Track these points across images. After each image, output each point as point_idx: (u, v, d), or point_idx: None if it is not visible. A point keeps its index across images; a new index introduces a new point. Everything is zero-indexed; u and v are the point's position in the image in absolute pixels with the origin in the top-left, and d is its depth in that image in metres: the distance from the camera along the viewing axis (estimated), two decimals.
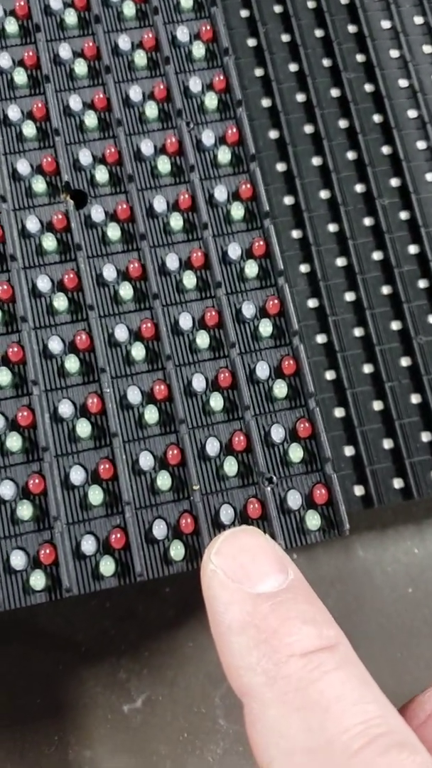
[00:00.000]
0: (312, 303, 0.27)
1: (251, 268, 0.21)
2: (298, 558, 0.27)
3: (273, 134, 0.29)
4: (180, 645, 0.26)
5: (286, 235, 0.28)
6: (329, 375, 0.26)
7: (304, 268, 0.27)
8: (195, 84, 0.23)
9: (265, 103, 0.29)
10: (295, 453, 0.20)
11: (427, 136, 0.29)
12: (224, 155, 0.22)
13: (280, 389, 0.21)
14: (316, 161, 0.28)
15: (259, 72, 0.29)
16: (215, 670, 0.26)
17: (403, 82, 0.30)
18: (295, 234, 0.28)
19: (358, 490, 0.25)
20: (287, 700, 0.16)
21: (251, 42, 0.29)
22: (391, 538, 0.27)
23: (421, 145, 0.29)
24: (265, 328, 0.21)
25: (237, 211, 0.22)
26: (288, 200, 0.28)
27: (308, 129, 0.29)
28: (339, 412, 0.26)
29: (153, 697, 0.25)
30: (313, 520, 0.20)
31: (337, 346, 0.27)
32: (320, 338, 0.27)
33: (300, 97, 0.29)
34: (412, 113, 0.29)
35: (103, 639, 0.26)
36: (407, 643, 0.26)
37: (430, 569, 0.27)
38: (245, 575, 0.18)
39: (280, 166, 0.28)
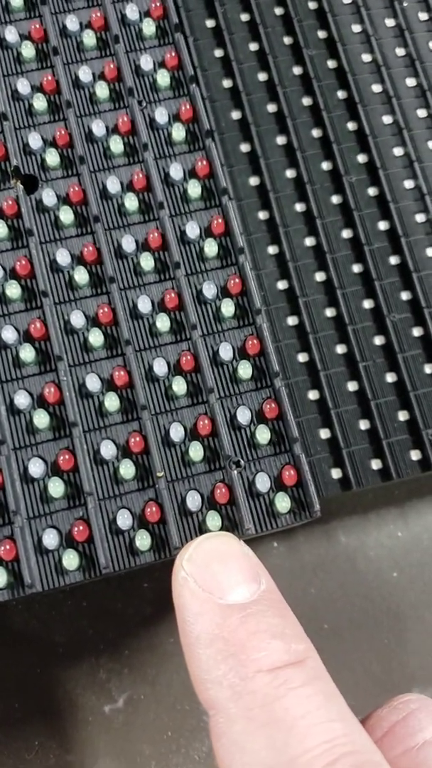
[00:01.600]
0: (282, 285, 0.26)
1: (211, 247, 0.21)
2: (279, 546, 0.26)
3: (235, 115, 0.28)
4: (160, 642, 0.25)
5: (253, 216, 0.27)
6: (302, 357, 0.26)
7: (272, 249, 0.27)
8: (146, 62, 0.22)
9: (226, 83, 0.28)
10: (262, 435, 0.20)
11: (392, 110, 0.28)
12: (179, 133, 0.22)
13: (245, 370, 0.20)
14: (280, 140, 0.28)
15: (219, 53, 0.29)
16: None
17: (366, 57, 0.29)
18: (262, 215, 0.27)
19: (336, 473, 0.25)
20: (252, 716, 0.16)
21: (210, 23, 0.29)
22: (373, 522, 0.27)
23: (386, 119, 0.28)
24: (228, 308, 0.20)
25: (194, 189, 0.21)
26: (253, 181, 0.27)
27: (271, 108, 0.28)
28: (313, 395, 0.25)
29: (135, 697, 0.25)
30: (282, 503, 0.19)
31: (308, 327, 0.26)
32: (291, 320, 0.26)
33: (262, 77, 0.28)
34: (376, 88, 0.29)
35: (81, 639, 0.25)
36: (394, 628, 0.26)
37: (415, 552, 0.26)
38: (216, 584, 0.17)
39: (244, 147, 0.28)
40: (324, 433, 0.25)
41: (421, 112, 0.28)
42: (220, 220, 0.21)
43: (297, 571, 0.26)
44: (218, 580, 0.17)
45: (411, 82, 0.29)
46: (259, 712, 0.16)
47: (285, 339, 0.26)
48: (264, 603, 0.18)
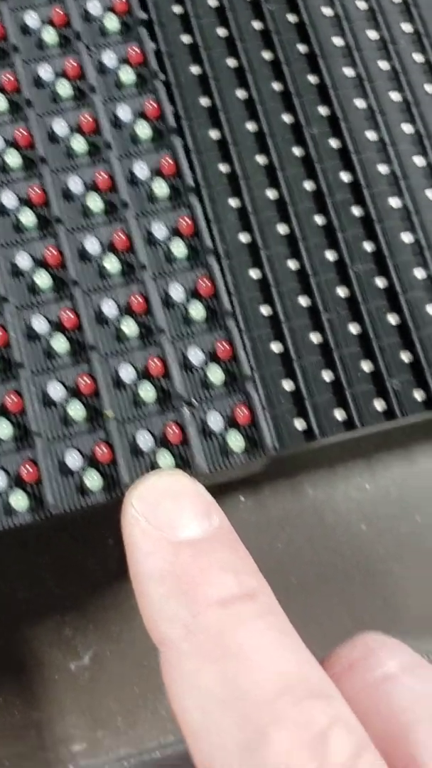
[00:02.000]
0: (244, 238, 0.26)
1: (160, 188, 0.20)
2: (246, 501, 0.26)
3: (194, 70, 0.28)
4: (126, 598, 0.25)
5: (213, 169, 0.27)
6: (264, 310, 0.25)
7: (233, 202, 0.26)
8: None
9: (185, 39, 0.28)
10: (215, 375, 0.19)
11: (353, 63, 0.28)
12: (127, 76, 0.21)
13: (197, 311, 0.20)
14: (240, 94, 0.28)
15: (177, 9, 0.28)
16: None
17: (327, 11, 0.29)
18: (223, 168, 0.27)
19: (299, 424, 0.24)
20: (204, 651, 0.16)
21: None
22: (341, 475, 0.26)
23: (348, 72, 0.28)
24: (178, 249, 0.20)
25: (143, 130, 0.21)
26: (214, 134, 0.27)
27: (231, 63, 0.28)
28: (276, 347, 0.25)
29: (100, 653, 0.25)
30: (236, 441, 0.19)
31: (271, 280, 0.26)
32: (254, 273, 0.26)
33: (221, 32, 0.28)
34: (337, 41, 0.28)
35: (46, 596, 0.25)
36: (364, 581, 0.25)
37: (383, 505, 0.26)
38: (167, 522, 0.17)
39: (204, 101, 0.27)
40: (287, 385, 0.25)
41: (383, 64, 0.28)
42: (170, 161, 0.21)
43: (263, 525, 0.26)
44: (169, 518, 0.17)
45: (373, 35, 0.29)
46: (210, 646, 0.16)
47: (248, 292, 0.26)
48: (216, 539, 0.17)
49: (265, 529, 0.26)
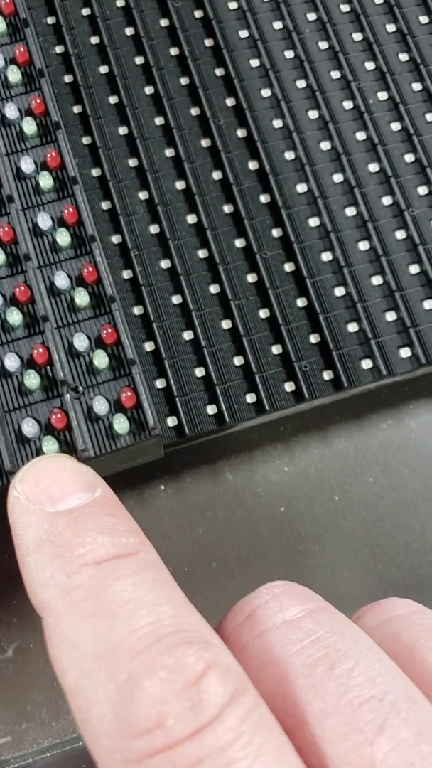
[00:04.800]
0: (153, 229, 0.26)
1: (45, 181, 0.21)
2: (166, 489, 0.26)
3: (103, 69, 0.28)
4: None
5: (122, 164, 0.27)
6: (175, 299, 0.26)
7: (142, 195, 0.27)
8: None
9: (94, 40, 0.28)
10: (100, 360, 0.20)
11: (259, 54, 0.28)
12: (14, 75, 0.22)
13: (82, 298, 0.20)
14: (148, 90, 0.28)
15: (85, 11, 0.29)
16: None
17: (232, 4, 0.29)
18: (131, 162, 0.27)
19: (211, 410, 0.25)
20: (78, 609, 0.16)
21: None
22: (259, 459, 0.27)
23: (253, 63, 0.28)
24: (63, 238, 0.20)
25: (29, 126, 0.21)
26: (122, 130, 0.27)
27: (138, 60, 0.28)
28: (187, 335, 0.25)
29: (24, 646, 0.25)
30: (121, 424, 0.19)
31: (180, 269, 0.26)
32: (164, 263, 0.26)
33: (129, 31, 0.29)
34: (243, 33, 0.29)
35: None
36: (284, 562, 0.26)
37: (301, 486, 0.26)
38: (47, 496, 0.17)
39: (112, 99, 0.28)
40: (199, 372, 0.25)
41: (288, 54, 0.29)
42: (54, 153, 0.21)
43: (184, 511, 0.26)
44: (48, 492, 0.17)
45: (277, 25, 0.29)
46: (85, 604, 0.16)
47: (158, 282, 0.26)
48: (95, 506, 0.17)
49: (186, 515, 0.26)
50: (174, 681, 0.15)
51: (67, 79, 0.28)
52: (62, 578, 0.16)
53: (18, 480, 0.18)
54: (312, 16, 0.29)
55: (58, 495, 0.17)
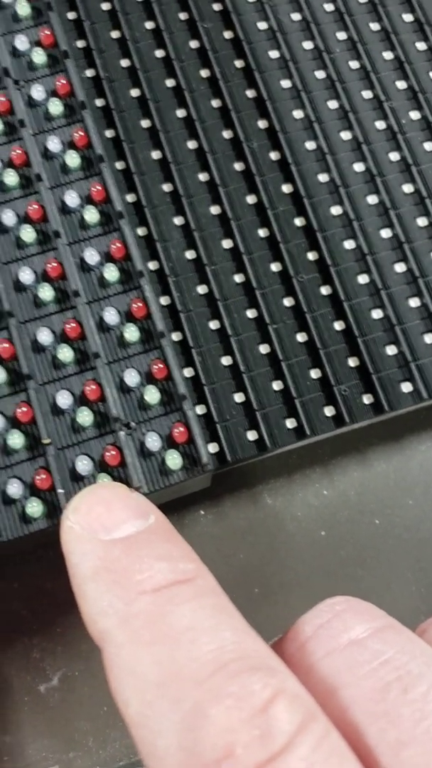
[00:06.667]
0: (189, 255, 0.26)
1: (91, 214, 0.21)
2: (206, 514, 0.26)
3: (134, 92, 0.28)
4: None
5: (157, 189, 0.27)
6: (213, 325, 0.26)
7: (177, 220, 0.27)
8: (21, 43, 0.22)
9: (124, 63, 0.28)
10: (152, 395, 0.20)
11: (290, 75, 0.28)
12: (56, 108, 0.22)
13: (131, 333, 0.20)
14: (180, 113, 0.28)
15: (115, 34, 0.29)
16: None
17: (262, 25, 0.29)
18: (165, 188, 0.27)
19: (251, 436, 0.25)
20: (138, 637, 0.16)
21: (105, 5, 0.29)
22: (299, 483, 0.27)
23: (284, 84, 0.28)
24: (111, 273, 0.20)
25: (72, 160, 0.21)
26: (155, 155, 0.27)
27: (169, 83, 0.28)
28: (226, 360, 0.25)
29: (69, 674, 0.25)
30: (174, 460, 0.19)
31: (218, 294, 0.26)
32: (200, 289, 0.26)
33: (159, 53, 0.29)
34: (273, 54, 0.29)
35: (14, 620, 0.25)
36: (325, 586, 0.26)
37: (342, 510, 0.26)
38: (100, 525, 0.17)
39: (144, 123, 0.28)
40: (238, 397, 0.25)
41: (319, 74, 0.29)
42: (99, 187, 0.21)
43: (225, 537, 0.26)
44: (102, 521, 0.17)
45: (308, 45, 0.29)
46: (145, 632, 0.16)
47: (195, 308, 0.26)
48: (149, 532, 0.17)
49: (227, 540, 0.26)
50: (241, 709, 0.14)
51: (99, 103, 0.28)
52: (120, 606, 0.16)
53: (71, 509, 0.17)
54: (342, 36, 0.29)
55: (112, 523, 0.17)
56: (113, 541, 0.17)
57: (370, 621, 0.17)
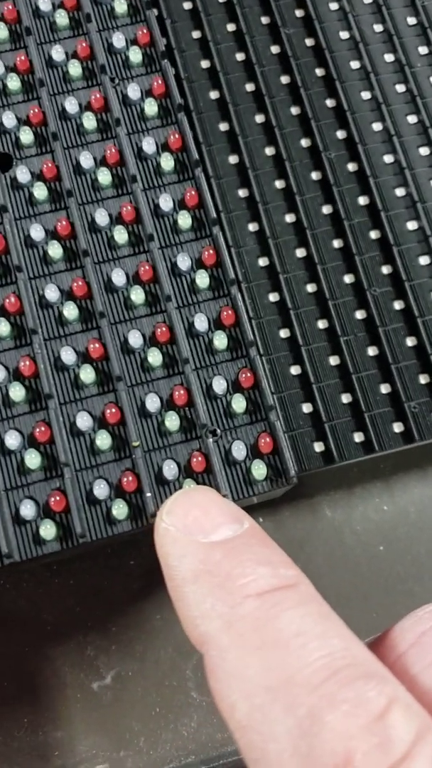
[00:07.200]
0: (262, 262, 0.26)
1: (185, 220, 0.21)
2: (264, 522, 0.26)
3: (214, 95, 0.28)
4: (147, 618, 0.25)
5: (233, 194, 0.27)
6: (283, 333, 0.26)
7: (252, 227, 0.27)
8: (118, 40, 0.22)
9: (204, 64, 0.28)
10: (239, 404, 0.20)
11: (370, 86, 0.28)
12: (151, 107, 0.22)
13: (221, 341, 0.20)
14: (259, 119, 0.28)
15: (196, 34, 0.29)
16: (185, 642, 0.25)
17: (344, 34, 0.29)
18: (242, 193, 0.27)
19: (318, 447, 0.25)
20: (244, 641, 0.15)
21: (187, 5, 0.29)
22: (359, 496, 0.27)
23: (365, 95, 0.28)
24: (202, 279, 0.20)
25: (167, 162, 0.21)
26: (233, 159, 0.27)
27: (249, 87, 0.28)
28: (295, 370, 0.25)
29: (123, 673, 0.25)
30: (259, 470, 0.19)
31: (289, 303, 0.26)
32: (272, 297, 0.26)
33: (240, 57, 0.29)
34: (354, 64, 0.29)
35: (69, 617, 0.25)
36: (383, 602, 0.26)
37: (402, 526, 0.26)
38: (198, 527, 0.17)
39: (223, 126, 0.28)
40: (306, 408, 0.25)
41: (400, 87, 0.28)
42: (193, 192, 0.21)
43: (283, 546, 0.25)
44: (200, 523, 0.17)
45: (389, 57, 0.29)
46: (252, 636, 0.15)
47: (266, 315, 0.26)
48: (247, 537, 0.17)
49: (285, 549, 0.26)
50: (358, 716, 0.14)
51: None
52: (225, 610, 0.16)
53: (165, 512, 0.17)
54: (424, 50, 0.29)
55: (210, 526, 0.17)
56: (212, 544, 0.17)
57: None
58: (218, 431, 0.20)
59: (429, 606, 0.18)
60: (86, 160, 0.21)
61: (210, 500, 0.18)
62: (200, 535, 0.17)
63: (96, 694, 0.25)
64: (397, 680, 0.15)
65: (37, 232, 0.20)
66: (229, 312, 0.20)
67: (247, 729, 0.15)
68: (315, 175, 0.27)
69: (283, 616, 0.15)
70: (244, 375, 0.20)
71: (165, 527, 0.17)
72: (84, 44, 0.22)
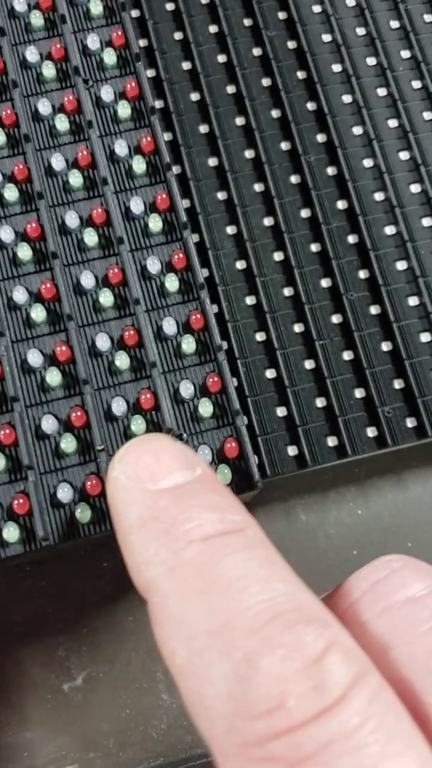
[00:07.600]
0: (240, 265, 0.26)
1: (155, 223, 0.21)
2: None
3: (194, 96, 0.28)
4: (119, 620, 0.25)
5: (211, 196, 0.27)
6: (259, 336, 0.26)
7: (230, 229, 0.27)
8: (93, 41, 0.22)
9: (186, 65, 0.28)
10: (205, 408, 0.20)
11: (352, 90, 0.28)
12: (124, 110, 0.22)
13: (188, 345, 0.20)
14: (239, 121, 0.28)
15: (178, 35, 0.29)
16: (156, 645, 0.25)
17: (326, 37, 0.29)
18: (220, 195, 0.27)
19: (292, 451, 0.25)
20: (187, 586, 0.15)
21: (169, 6, 0.29)
22: (333, 500, 0.27)
23: (346, 99, 0.28)
24: (172, 283, 0.20)
25: (139, 165, 0.21)
26: (212, 162, 0.27)
27: (230, 89, 0.28)
28: (270, 373, 0.25)
29: (93, 675, 0.25)
30: (225, 476, 0.19)
31: (266, 306, 0.26)
32: (249, 300, 0.26)
33: (221, 58, 0.28)
34: (336, 67, 0.29)
35: (40, 618, 0.25)
36: None
37: (375, 530, 0.26)
38: (149, 475, 0.17)
39: (203, 128, 0.28)
40: (281, 411, 0.25)
41: (381, 91, 0.28)
42: (164, 196, 0.21)
43: None
44: (151, 471, 0.17)
45: (371, 61, 0.29)
46: (194, 581, 0.15)
47: (243, 318, 0.26)
48: (198, 483, 0.17)
49: None
50: (294, 659, 0.14)
51: (158, 104, 0.28)
52: (169, 555, 0.15)
53: (117, 460, 0.17)
54: (406, 54, 0.29)
55: (160, 473, 0.17)
56: (161, 490, 0.16)
57: (427, 579, 0.16)
58: (184, 436, 0.20)
59: (386, 557, 0.17)
60: (58, 162, 0.21)
61: (162, 447, 0.17)
62: (150, 482, 0.16)
63: (66, 695, 0.25)
64: (341, 626, 0.15)
65: (6, 234, 0.20)
66: (198, 316, 0.20)
67: (187, 674, 0.15)
68: (294, 179, 0.27)
69: (226, 560, 0.15)
70: (211, 379, 0.20)
71: (115, 476, 0.17)
72: (59, 45, 0.22)
